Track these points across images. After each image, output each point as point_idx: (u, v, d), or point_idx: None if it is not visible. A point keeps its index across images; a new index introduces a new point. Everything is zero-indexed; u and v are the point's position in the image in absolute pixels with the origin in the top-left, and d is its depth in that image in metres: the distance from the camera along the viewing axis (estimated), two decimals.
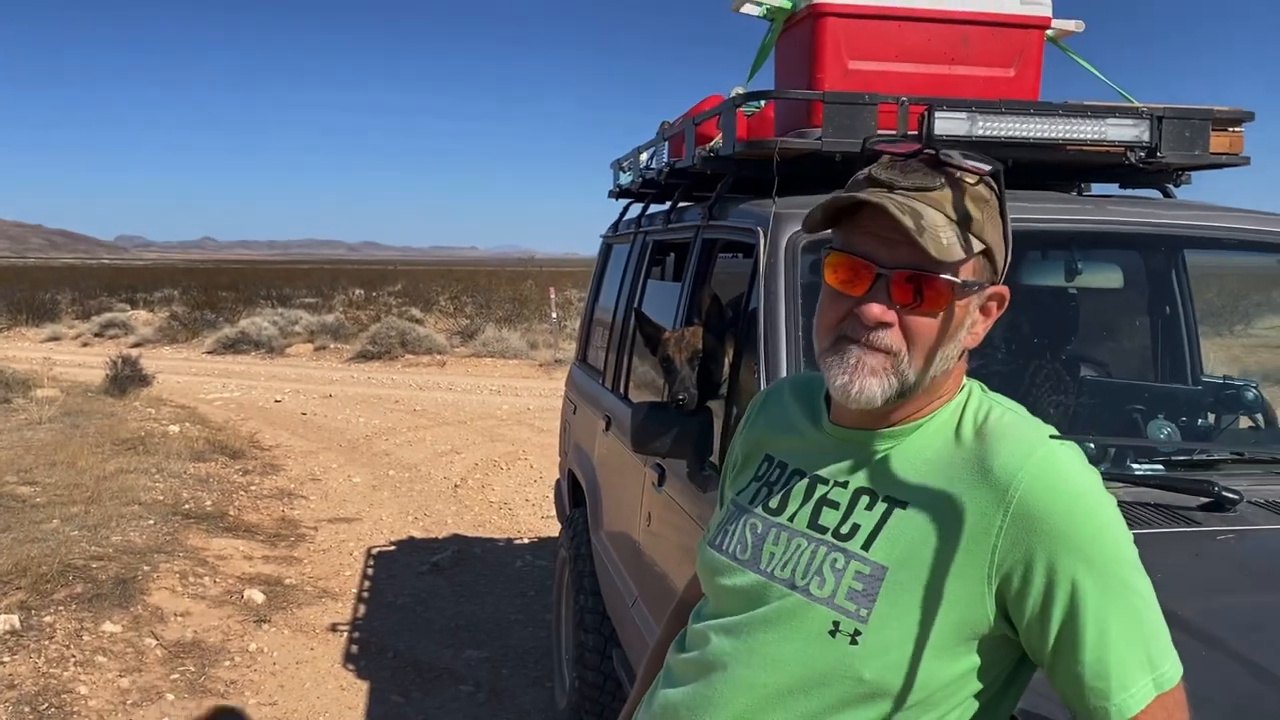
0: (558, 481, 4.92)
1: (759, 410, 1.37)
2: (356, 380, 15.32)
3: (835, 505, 1.16)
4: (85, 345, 21.68)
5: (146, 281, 38.72)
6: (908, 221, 1.07)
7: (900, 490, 1.12)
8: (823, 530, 1.15)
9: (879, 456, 1.16)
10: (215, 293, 30.04)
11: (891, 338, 1.10)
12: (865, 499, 1.14)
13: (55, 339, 22.92)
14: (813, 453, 1.23)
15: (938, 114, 2.40)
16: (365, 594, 5.62)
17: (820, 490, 1.19)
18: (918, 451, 1.14)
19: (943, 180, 1.10)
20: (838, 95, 2.42)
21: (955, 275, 1.09)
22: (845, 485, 1.17)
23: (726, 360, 2.47)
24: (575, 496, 4.22)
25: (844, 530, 1.13)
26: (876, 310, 1.10)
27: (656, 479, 2.80)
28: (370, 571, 6.02)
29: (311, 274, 47.36)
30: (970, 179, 1.11)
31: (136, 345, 20.17)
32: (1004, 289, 1.15)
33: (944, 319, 1.10)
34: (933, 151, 1.12)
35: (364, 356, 17.80)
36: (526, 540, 6.72)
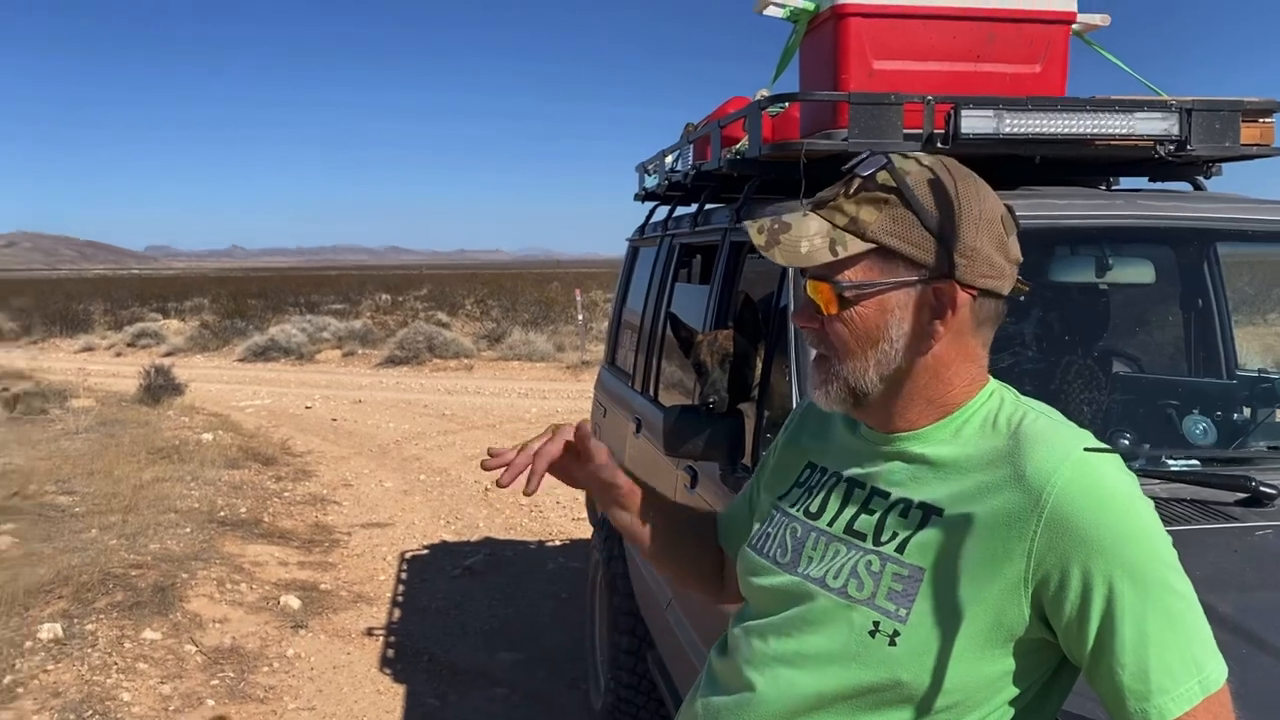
0: None
1: (802, 416, 1.39)
2: (385, 385, 15.43)
3: (871, 511, 1.17)
4: (118, 355, 21.94)
5: (177, 291, 39.09)
6: (758, 239, 1.17)
7: (934, 495, 1.12)
8: (859, 535, 1.16)
9: (911, 462, 1.17)
10: (245, 301, 30.30)
11: (819, 343, 1.19)
12: (900, 504, 1.15)
13: (89, 349, 23.22)
14: (850, 458, 1.24)
15: (964, 112, 2.40)
16: (400, 598, 5.66)
17: (857, 495, 1.20)
18: (950, 456, 1.14)
19: (843, 189, 1.16)
20: (863, 96, 2.42)
21: (838, 278, 1.14)
22: (881, 491, 1.17)
23: (758, 362, 2.48)
24: None
25: (882, 537, 1.14)
26: (798, 319, 1.20)
27: (689, 481, 2.81)
28: (404, 576, 6.07)
29: (339, 280, 47.68)
30: (860, 179, 1.14)
31: (169, 354, 20.42)
32: (946, 285, 1.12)
33: (855, 320, 1.14)
34: (848, 163, 1.17)
35: (392, 362, 17.92)
36: (558, 542, 6.75)
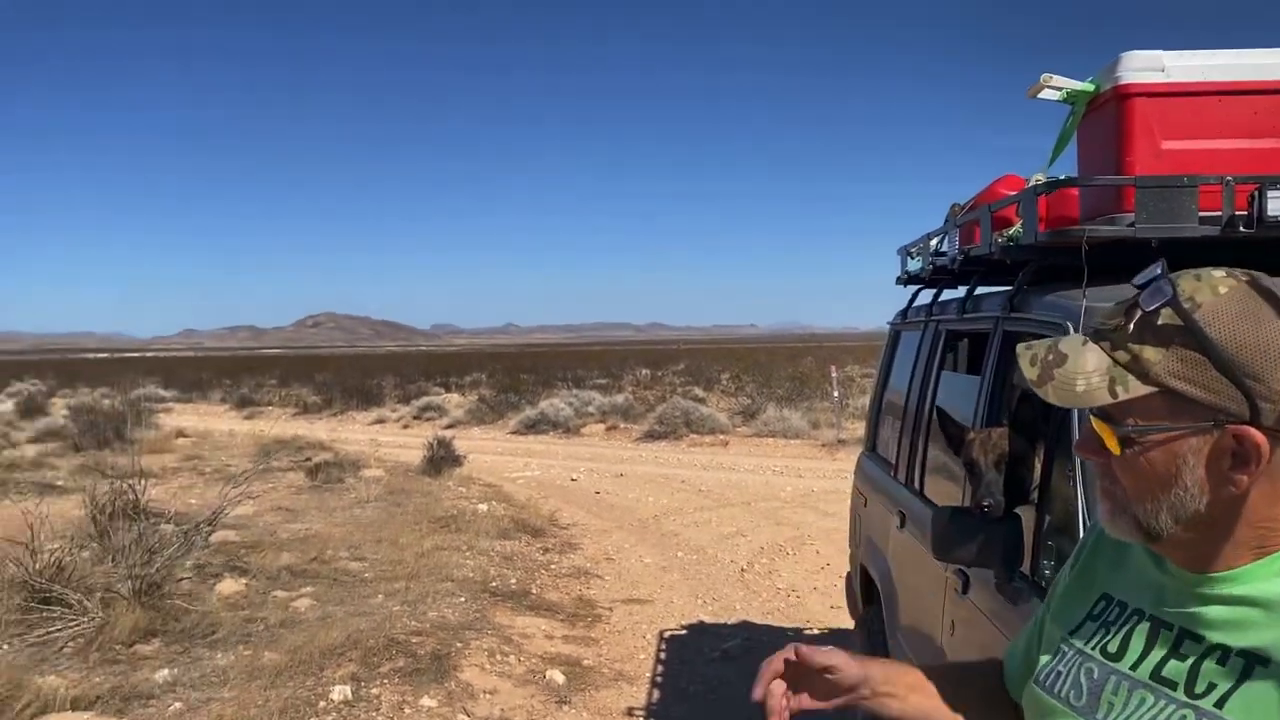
0: (848, 575, 4.80)
1: (1095, 542, 1.27)
2: (644, 459, 15.77)
3: (1183, 656, 1.05)
4: (405, 427, 23.69)
5: (458, 366, 41.96)
6: (1030, 372, 1.08)
7: (1259, 642, 1.00)
8: (1170, 685, 1.05)
9: (1230, 604, 1.04)
10: (518, 376, 32.08)
11: (1105, 476, 1.09)
12: (1218, 652, 1.03)
13: (380, 421, 25.23)
14: (1154, 594, 1.12)
15: (1271, 193, 2.20)
16: (659, 679, 5.70)
17: (1164, 637, 1.08)
18: (1277, 597, 1.02)
19: (1124, 317, 1.04)
20: (1151, 179, 2.28)
21: (1122, 420, 1.03)
22: (1194, 634, 1.06)
23: (1037, 464, 2.34)
24: (868, 593, 4.10)
25: (1196, 688, 1.02)
26: (1081, 450, 1.11)
27: (960, 585, 2.68)
28: (663, 655, 6.11)
29: (603, 355, 49.58)
30: (1142, 312, 1.02)
31: (449, 426, 21.82)
32: (1246, 430, 0.98)
33: (1142, 464, 1.03)
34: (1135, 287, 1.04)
35: (651, 436, 18.34)
36: (815, 630, 6.58)
